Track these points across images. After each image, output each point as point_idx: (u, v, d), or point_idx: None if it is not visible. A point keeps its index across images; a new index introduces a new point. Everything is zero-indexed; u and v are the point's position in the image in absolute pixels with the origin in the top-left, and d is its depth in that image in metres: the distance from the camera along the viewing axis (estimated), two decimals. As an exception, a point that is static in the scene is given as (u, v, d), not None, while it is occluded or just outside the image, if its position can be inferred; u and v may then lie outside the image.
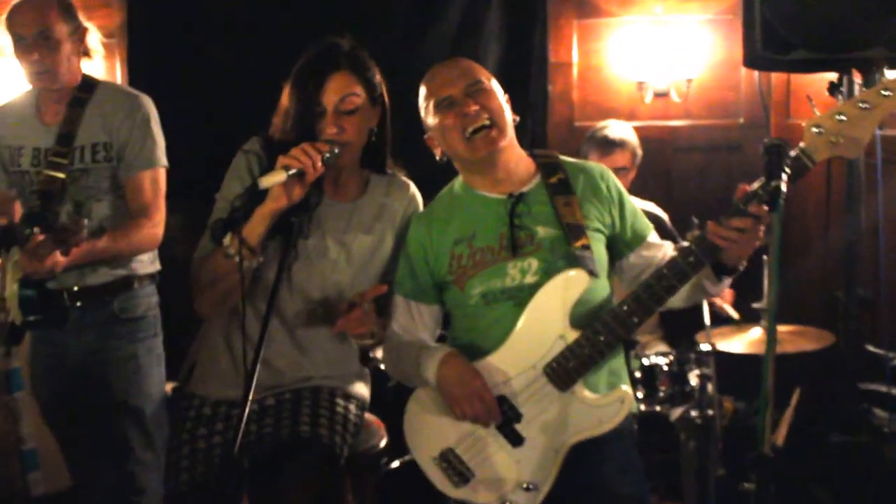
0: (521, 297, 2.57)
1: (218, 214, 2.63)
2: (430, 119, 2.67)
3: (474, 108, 2.58)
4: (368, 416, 3.02)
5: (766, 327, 4.17)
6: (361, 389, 2.83)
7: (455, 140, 2.62)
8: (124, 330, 3.24)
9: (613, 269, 2.74)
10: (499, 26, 5.11)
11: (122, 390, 3.22)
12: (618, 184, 2.74)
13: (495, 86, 2.68)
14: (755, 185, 2.40)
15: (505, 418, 2.56)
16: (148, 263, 3.32)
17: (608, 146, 4.33)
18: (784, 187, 2.19)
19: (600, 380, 2.61)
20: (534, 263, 2.58)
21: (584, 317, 2.57)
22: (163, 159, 3.26)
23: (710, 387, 3.99)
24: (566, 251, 2.57)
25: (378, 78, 2.68)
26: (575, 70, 5.24)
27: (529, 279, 2.58)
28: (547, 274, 2.56)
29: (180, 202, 3.47)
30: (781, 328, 4.17)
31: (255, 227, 2.48)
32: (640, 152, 4.41)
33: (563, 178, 2.67)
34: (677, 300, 2.59)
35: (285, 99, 2.62)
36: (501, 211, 2.64)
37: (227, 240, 2.48)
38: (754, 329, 4.28)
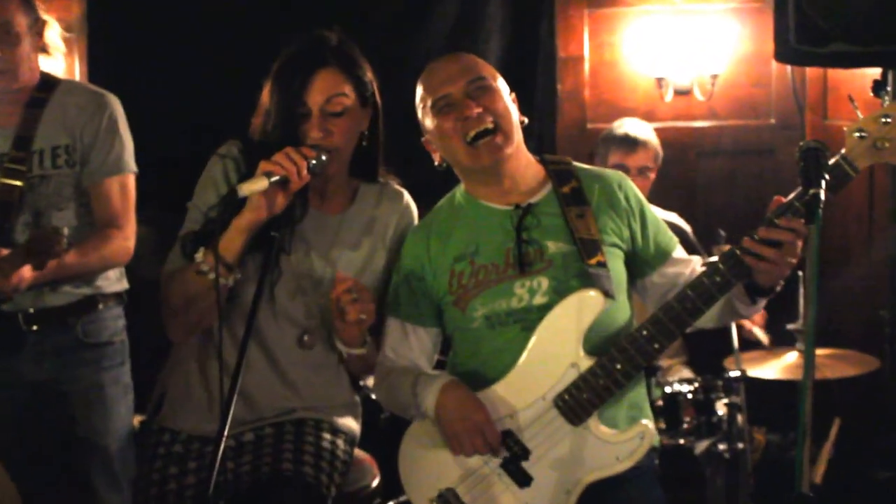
0: (530, 319, 2.55)
1: (190, 226, 2.62)
2: (428, 121, 2.65)
3: (476, 110, 2.56)
4: (359, 452, 3.00)
5: (802, 351, 4.17)
6: (351, 423, 2.82)
7: (455, 146, 2.60)
8: (88, 356, 3.23)
9: (634, 289, 2.72)
10: (501, 18, 5.12)
11: (86, 425, 3.21)
12: (638, 193, 2.72)
13: (501, 83, 2.66)
14: (791, 196, 2.39)
15: (511, 455, 2.54)
16: (115, 281, 3.30)
17: (630, 144, 4.31)
18: (823, 195, 2.18)
19: (618, 412, 2.59)
20: (544, 282, 2.57)
21: (600, 342, 2.55)
22: (132, 164, 3.26)
23: (739, 417, 3.99)
24: (580, 269, 2.55)
25: (369, 76, 2.68)
26: (586, 66, 5.24)
27: (539, 300, 2.56)
28: (558, 294, 2.54)
29: (147, 213, 3.47)
30: (820, 352, 4.16)
31: (232, 241, 2.47)
32: (661, 153, 4.41)
33: (576, 188, 2.65)
34: (706, 321, 2.57)
35: (266, 98, 2.61)
36: (507, 224, 2.63)
37: (199, 254, 2.47)
38: (789, 353, 4.28)
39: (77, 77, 5.03)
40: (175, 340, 2.69)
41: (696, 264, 2.70)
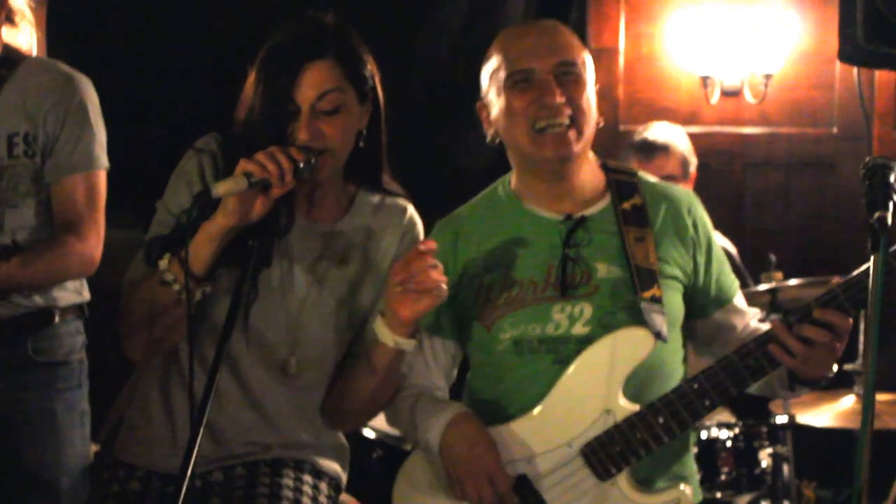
0: (565, 352, 2.53)
1: (158, 228, 2.61)
2: (493, 90, 2.61)
3: (560, 99, 2.51)
4: (345, 497, 2.99)
5: (861, 395, 4.15)
6: (335, 465, 2.80)
7: (519, 129, 2.55)
8: (39, 378, 3.20)
9: (686, 328, 2.69)
10: (525, 2, 5.13)
11: (33, 458, 3.18)
12: (707, 222, 2.69)
13: (589, 73, 2.61)
14: (852, 274, 2.39)
15: None
16: (73, 293, 3.28)
17: (647, 150, 4.33)
18: (890, 220, 2.17)
19: (656, 471, 2.57)
20: (587, 310, 2.54)
21: (643, 387, 2.53)
22: (103, 159, 3.23)
23: (786, 470, 3.98)
24: (630, 300, 2.52)
25: (370, 68, 2.65)
26: (621, 59, 5.26)
27: (578, 330, 2.54)
28: (601, 326, 2.52)
29: (112, 214, 3.46)
30: (881, 397, 4.14)
31: (201, 249, 2.45)
32: (693, 160, 4.40)
33: (638, 205, 2.61)
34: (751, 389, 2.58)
35: (250, 89, 2.60)
36: (555, 236, 2.59)
37: (164, 262, 2.46)
38: (846, 397, 4.25)
39: (34, 52, 5.02)
40: (132, 359, 2.67)
41: (753, 319, 2.69)
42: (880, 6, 3.49)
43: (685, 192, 2.74)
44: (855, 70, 4.91)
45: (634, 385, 2.51)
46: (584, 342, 2.52)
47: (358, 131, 2.63)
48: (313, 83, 2.52)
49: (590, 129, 2.58)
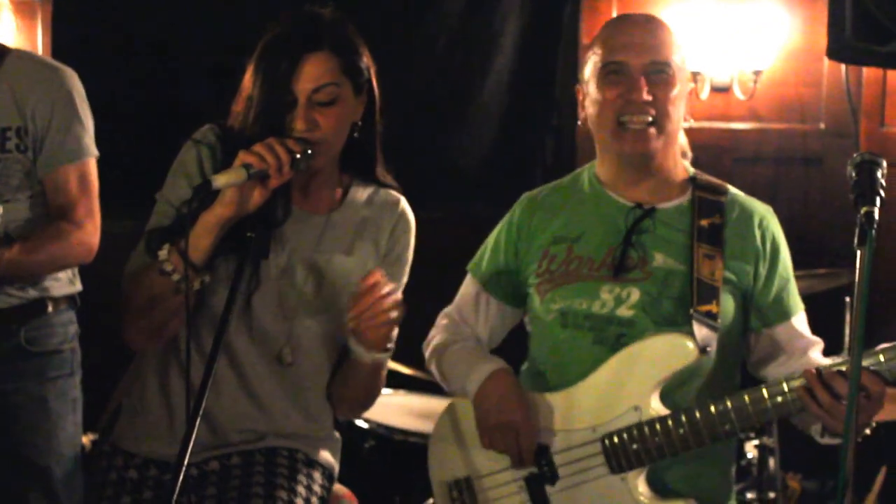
0: (606, 333, 2.58)
1: (158, 220, 2.62)
2: (590, 75, 2.65)
3: (646, 97, 2.55)
4: (338, 487, 3.00)
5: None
6: (328, 456, 2.81)
7: (605, 120, 2.60)
8: (32, 367, 3.20)
9: (742, 342, 2.69)
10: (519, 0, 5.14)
11: (26, 444, 3.19)
12: (778, 238, 2.68)
13: (682, 76, 2.63)
14: (836, 360, 2.42)
15: (538, 473, 2.58)
16: (66, 283, 3.28)
17: None
18: (877, 215, 2.18)
19: (676, 475, 2.58)
20: (634, 294, 2.58)
21: (682, 395, 2.56)
22: (92, 148, 3.23)
23: (771, 462, 3.99)
24: (679, 291, 2.56)
25: (365, 60, 2.67)
26: (613, 55, 5.24)
27: (623, 312, 2.58)
28: (646, 312, 2.56)
29: (109, 205, 3.46)
30: (865, 390, 4.15)
31: (199, 240, 2.46)
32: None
33: (717, 224, 2.62)
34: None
35: (248, 81, 2.61)
36: (621, 220, 2.64)
37: (163, 252, 2.47)
38: (831, 390, 4.25)
39: (40, 47, 5.01)
40: (133, 347, 2.69)
41: (816, 349, 2.66)
42: (869, 4, 3.51)
43: (763, 207, 2.73)
44: (843, 67, 4.92)
45: (671, 389, 2.54)
46: (627, 325, 2.56)
47: (353, 123, 2.65)
48: (311, 75, 2.54)
49: (673, 128, 2.61)
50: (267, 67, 2.56)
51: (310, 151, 2.51)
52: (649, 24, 2.66)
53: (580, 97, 2.71)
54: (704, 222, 2.63)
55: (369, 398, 2.80)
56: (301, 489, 2.67)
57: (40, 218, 3.14)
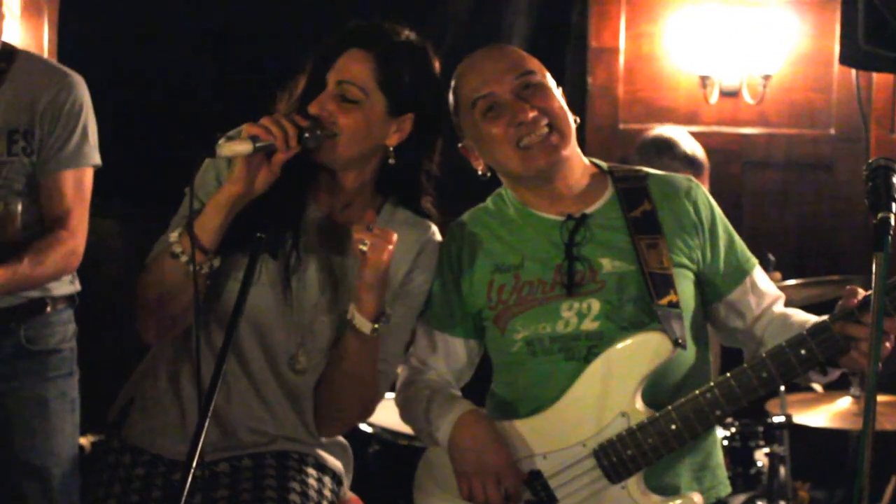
0: (576, 348, 2.54)
1: (184, 212, 2.60)
2: (468, 125, 2.62)
3: (531, 113, 2.53)
4: (344, 491, 2.99)
5: (857, 396, 4.15)
6: (337, 462, 2.80)
7: (505, 154, 2.56)
8: (32, 365, 3.20)
9: (708, 316, 2.68)
10: (527, 1, 5.13)
11: (24, 445, 3.18)
12: (709, 201, 2.67)
13: (549, 77, 2.63)
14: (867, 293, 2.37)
15: (535, 500, 2.54)
16: (66, 283, 3.29)
17: (696, 167, 4.21)
18: (893, 221, 2.18)
19: (679, 475, 2.56)
20: (595, 305, 2.55)
21: (661, 391, 2.53)
22: (94, 157, 3.22)
23: (782, 470, 3.97)
24: (636, 292, 2.53)
25: (428, 94, 2.59)
26: (621, 58, 5.24)
27: (588, 325, 2.55)
28: (610, 320, 2.53)
29: (109, 206, 3.46)
30: (880, 398, 4.13)
31: (207, 219, 2.44)
32: (703, 163, 4.39)
33: (648, 210, 2.60)
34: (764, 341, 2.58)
35: (302, 77, 2.61)
36: (556, 236, 2.61)
37: (174, 235, 2.46)
38: (842, 398, 4.24)
39: (45, 45, 5.00)
40: (146, 339, 2.66)
41: (779, 303, 2.65)
42: (882, 9, 3.50)
43: (683, 179, 2.71)
44: (853, 72, 4.92)
45: (652, 390, 2.51)
46: (595, 337, 2.53)
47: (383, 145, 2.60)
48: (343, 67, 2.53)
49: (569, 129, 2.59)
50: (316, 55, 2.56)
51: (319, 133, 2.48)
52: (493, 50, 2.66)
53: (469, 154, 2.67)
54: (636, 213, 2.61)
55: (367, 401, 2.70)
56: (312, 493, 2.65)
57: (33, 223, 3.14)
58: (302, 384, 2.66)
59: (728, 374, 2.46)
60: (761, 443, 4.04)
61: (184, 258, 2.43)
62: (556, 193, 2.63)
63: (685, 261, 2.59)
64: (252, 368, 2.63)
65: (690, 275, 2.60)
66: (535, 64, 2.62)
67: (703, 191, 2.68)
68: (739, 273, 2.64)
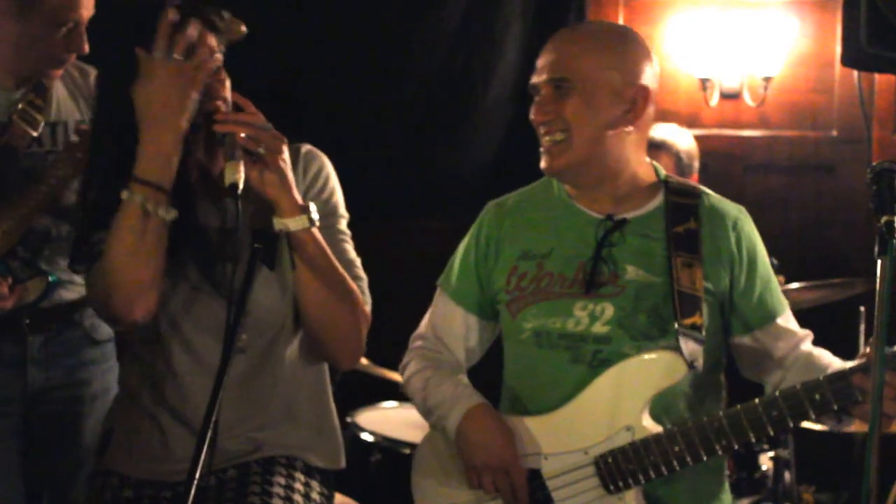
0: (582, 351, 2.54)
1: None
2: None
3: (541, 117, 2.55)
4: (341, 498, 2.97)
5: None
6: (328, 461, 2.77)
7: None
8: (96, 355, 3.17)
9: (731, 348, 2.67)
10: (523, 4, 5.12)
11: (92, 434, 3.13)
12: (753, 238, 2.63)
13: (588, 82, 2.54)
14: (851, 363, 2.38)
15: (532, 499, 2.54)
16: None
17: (682, 167, 4.27)
18: (896, 225, 2.17)
19: (674, 489, 2.55)
20: (608, 310, 2.54)
21: (669, 409, 2.53)
22: None
23: (787, 474, 3.98)
24: (653, 304, 2.52)
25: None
26: (621, 61, 5.24)
27: (598, 328, 2.54)
28: (621, 327, 2.52)
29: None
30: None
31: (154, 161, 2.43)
32: (694, 163, 4.38)
33: (692, 230, 2.58)
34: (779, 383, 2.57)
35: None
36: (590, 234, 2.59)
37: (124, 194, 2.42)
38: (845, 402, 4.24)
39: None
40: (128, 320, 2.55)
41: (806, 341, 2.63)
42: (885, 10, 3.49)
43: (736, 208, 2.67)
44: (855, 74, 4.91)
45: (660, 405, 2.52)
46: (603, 342, 2.52)
47: None
48: None
49: (585, 139, 2.54)
50: None
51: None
52: (560, 38, 2.62)
53: None
54: (680, 228, 2.59)
55: (351, 305, 2.59)
56: (298, 497, 2.63)
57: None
58: (255, 357, 2.61)
59: (739, 407, 2.44)
60: (766, 447, 4.05)
61: (137, 199, 2.39)
62: (596, 193, 2.62)
63: (713, 288, 2.56)
64: (205, 361, 2.58)
65: (716, 303, 2.58)
66: (577, 69, 2.55)
67: (750, 225, 2.64)
68: (771, 312, 2.61)
